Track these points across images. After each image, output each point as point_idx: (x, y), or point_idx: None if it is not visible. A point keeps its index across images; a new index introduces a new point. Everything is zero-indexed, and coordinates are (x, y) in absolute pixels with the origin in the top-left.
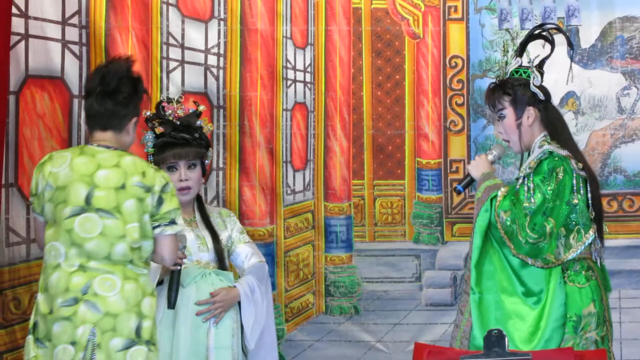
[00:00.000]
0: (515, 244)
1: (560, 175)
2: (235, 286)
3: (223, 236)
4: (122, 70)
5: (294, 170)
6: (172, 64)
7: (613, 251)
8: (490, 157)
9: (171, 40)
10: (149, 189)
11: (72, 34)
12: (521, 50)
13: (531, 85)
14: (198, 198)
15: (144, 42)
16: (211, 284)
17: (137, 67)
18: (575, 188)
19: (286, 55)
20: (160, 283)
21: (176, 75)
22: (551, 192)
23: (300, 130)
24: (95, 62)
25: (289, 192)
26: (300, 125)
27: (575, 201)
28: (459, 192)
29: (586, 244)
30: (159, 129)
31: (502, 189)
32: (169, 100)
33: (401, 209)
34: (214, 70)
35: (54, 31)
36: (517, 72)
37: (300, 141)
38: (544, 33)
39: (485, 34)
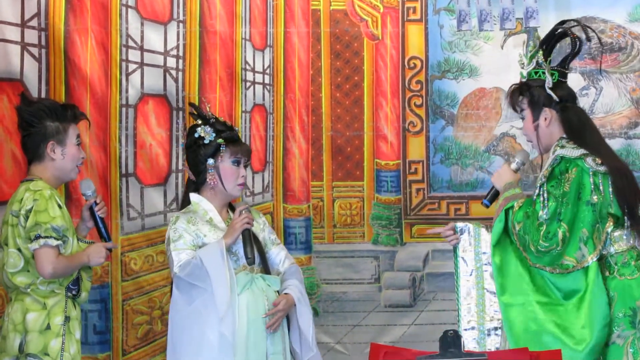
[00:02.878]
0: (529, 255)
1: (573, 176)
2: (288, 293)
3: (259, 237)
4: (19, 113)
5: (253, 172)
6: (132, 67)
7: None
8: (513, 165)
9: (130, 43)
10: (17, 214)
11: (31, 36)
12: (548, 51)
13: (545, 86)
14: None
15: (103, 45)
16: (262, 290)
17: (96, 70)
18: (593, 186)
19: (245, 57)
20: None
21: (135, 78)
22: (561, 195)
23: (259, 132)
24: (55, 65)
25: (248, 193)
26: (259, 127)
27: (595, 199)
28: (487, 207)
29: (606, 238)
30: (227, 124)
31: (519, 201)
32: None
33: (360, 211)
34: (173, 72)
35: (13, 33)
36: (535, 72)
37: (259, 143)
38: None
39: (444, 35)
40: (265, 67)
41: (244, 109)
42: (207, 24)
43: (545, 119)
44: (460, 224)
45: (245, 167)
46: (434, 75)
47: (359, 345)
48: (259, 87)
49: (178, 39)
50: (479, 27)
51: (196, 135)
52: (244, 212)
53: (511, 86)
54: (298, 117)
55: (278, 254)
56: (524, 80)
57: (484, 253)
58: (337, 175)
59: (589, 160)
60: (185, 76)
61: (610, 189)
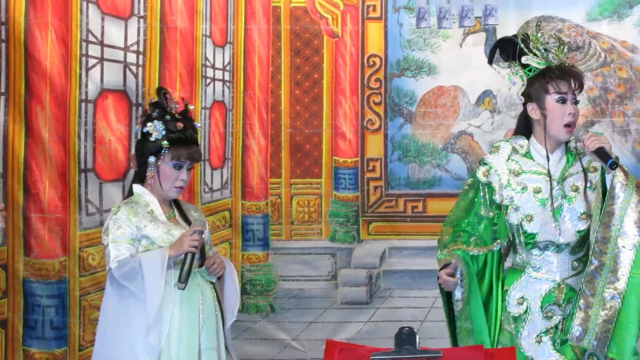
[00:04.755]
0: None
1: None
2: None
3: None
4: None
5: (212, 169)
6: (92, 62)
7: None
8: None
9: (91, 38)
10: None
11: None
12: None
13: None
14: None
15: (64, 39)
16: (197, 285)
17: (56, 64)
18: None
19: (205, 53)
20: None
21: (95, 73)
22: None
23: (218, 129)
24: (15, 59)
25: (206, 190)
26: (219, 123)
27: None
28: (615, 166)
29: None
30: (180, 125)
31: None
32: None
33: (318, 208)
34: (133, 68)
35: None
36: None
37: (219, 139)
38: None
39: (404, 33)
40: (225, 64)
41: (203, 106)
42: (167, 20)
43: None
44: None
45: (189, 170)
46: (393, 73)
47: (315, 342)
48: (218, 84)
49: (138, 35)
50: (438, 25)
51: (145, 129)
52: (197, 233)
53: (572, 66)
54: (257, 114)
55: (215, 251)
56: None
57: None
58: (295, 172)
59: None
60: (145, 72)
61: None
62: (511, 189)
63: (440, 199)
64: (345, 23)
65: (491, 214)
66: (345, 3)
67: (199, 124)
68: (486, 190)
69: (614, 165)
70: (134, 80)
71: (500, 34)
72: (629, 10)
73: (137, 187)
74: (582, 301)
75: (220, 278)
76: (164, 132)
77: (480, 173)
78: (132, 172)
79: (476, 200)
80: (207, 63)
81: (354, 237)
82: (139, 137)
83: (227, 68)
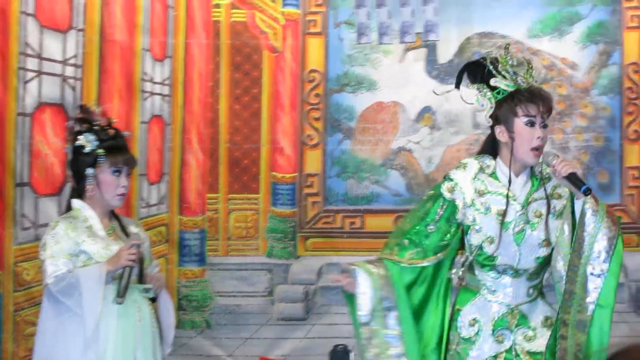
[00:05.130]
0: None
1: None
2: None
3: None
4: None
5: (149, 184)
6: (29, 75)
7: None
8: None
9: (29, 51)
10: None
11: None
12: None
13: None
14: (112, 210)
15: (2, 52)
16: (134, 301)
17: None
18: None
19: (144, 67)
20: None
21: (33, 86)
22: None
23: (156, 143)
24: None
25: (143, 205)
26: (157, 138)
27: None
28: (589, 193)
29: None
30: (111, 132)
31: None
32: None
33: (255, 223)
34: (72, 82)
35: None
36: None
37: (156, 154)
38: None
39: (344, 48)
40: (164, 78)
41: (142, 120)
42: (106, 33)
43: None
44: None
45: (128, 176)
46: (333, 89)
47: (251, 358)
48: (157, 98)
49: (77, 48)
50: (379, 41)
51: (77, 143)
52: (134, 247)
53: (540, 88)
54: (196, 129)
55: (152, 271)
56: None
57: (382, 299)
58: (233, 187)
59: None
60: (83, 85)
61: None
62: (475, 209)
63: (378, 215)
64: (285, 38)
65: (443, 228)
66: (286, 18)
67: (127, 133)
68: (448, 206)
69: (588, 191)
70: (71, 93)
71: (440, 50)
72: (570, 28)
73: (76, 202)
74: (561, 331)
75: (154, 300)
76: (97, 142)
77: (444, 188)
78: (68, 186)
79: (431, 211)
80: (146, 77)
81: (291, 253)
82: (70, 154)
83: (166, 82)
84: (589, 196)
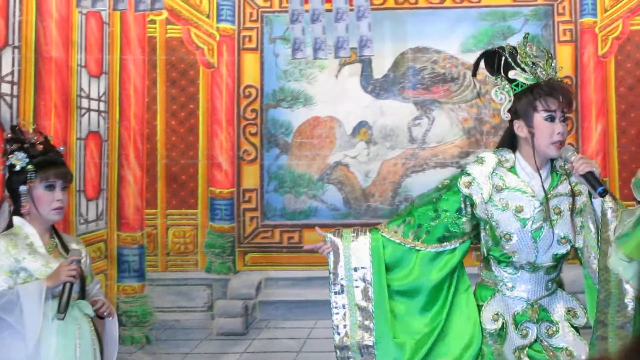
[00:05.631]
0: None
1: None
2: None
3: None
4: None
5: (87, 200)
6: None
7: None
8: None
9: None
10: None
11: None
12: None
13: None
14: (54, 226)
15: None
16: (74, 318)
17: None
18: None
19: (80, 83)
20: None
21: None
22: None
23: (93, 160)
24: None
25: (81, 221)
26: (94, 154)
27: None
28: (604, 194)
29: None
30: (40, 147)
31: None
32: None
33: (194, 238)
34: (8, 99)
35: None
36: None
37: (94, 170)
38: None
39: (279, 63)
40: (100, 94)
41: (78, 136)
42: (42, 50)
43: None
44: (330, 237)
45: (64, 189)
46: (269, 104)
47: None
48: (94, 114)
49: (13, 65)
50: (314, 56)
51: (8, 163)
52: (74, 263)
53: (561, 82)
54: (133, 145)
55: (94, 288)
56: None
57: (355, 269)
58: (171, 203)
59: None
60: (20, 102)
61: None
62: (492, 204)
63: (316, 229)
64: (221, 54)
65: (451, 219)
66: (221, 34)
67: (62, 148)
68: (466, 202)
69: (604, 192)
70: (8, 111)
71: (376, 65)
72: (503, 42)
73: (16, 219)
74: (599, 332)
75: (102, 318)
76: (27, 159)
77: (462, 182)
78: (6, 204)
79: (443, 198)
80: (82, 93)
81: (229, 268)
82: (6, 174)
83: (103, 98)
84: (606, 196)
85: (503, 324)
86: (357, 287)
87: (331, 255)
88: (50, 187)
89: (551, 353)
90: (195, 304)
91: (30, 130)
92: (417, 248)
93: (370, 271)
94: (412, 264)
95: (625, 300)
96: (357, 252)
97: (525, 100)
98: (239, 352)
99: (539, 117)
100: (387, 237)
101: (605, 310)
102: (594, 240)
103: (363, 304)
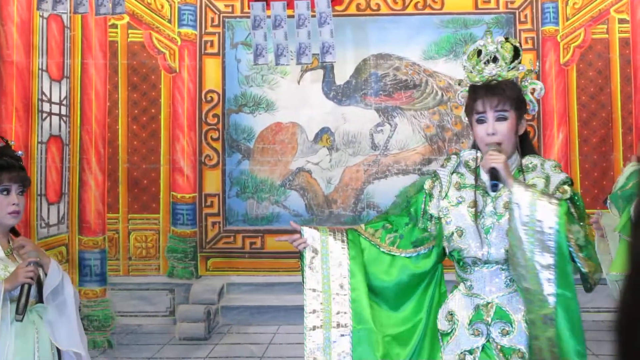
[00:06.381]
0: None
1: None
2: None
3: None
4: None
5: (49, 204)
6: None
7: None
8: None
9: None
10: None
11: None
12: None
13: (536, 95)
14: (13, 229)
15: None
16: (32, 322)
17: None
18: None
19: (42, 87)
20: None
21: None
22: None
23: (55, 164)
24: None
25: (43, 225)
26: (55, 158)
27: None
28: (496, 190)
29: None
30: None
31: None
32: None
33: (156, 243)
34: None
35: None
36: (525, 80)
37: (55, 174)
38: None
39: (241, 69)
40: (62, 98)
41: (40, 140)
42: (3, 54)
43: (523, 127)
44: (306, 232)
45: (21, 193)
46: (231, 109)
47: None
48: (55, 118)
49: None
50: (276, 62)
51: None
52: (32, 264)
53: (499, 81)
54: (94, 149)
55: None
56: (510, 80)
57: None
58: (133, 207)
59: None
60: None
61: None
62: (448, 200)
63: (278, 235)
64: (182, 58)
65: (422, 221)
66: (182, 38)
67: (20, 152)
68: (426, 200)
69: (493, 188)
70: None
71: (338, 71)
72: (465, 49)
73: None
74: (531, 332)
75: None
76: None
77: (427, 182)
78: None
79: (412, 201)
80: (44, 97)
81: (192, 272)
82: None
83: (64, 102)
84: (515, 190)
85: (454, 323)
86: (334, 281)
87: (307, 250)
88: (5, 192)
89: (501, 354)
90: (158, 309)
91: None
92: (393, 253)
93: (348, 264)
94: (387, 266)
95: (544, 294)
96: (334, 248)
97: (467, 103)
98: (202, 357)
99: (474, 120)
100: (365, 236)
101: (532, 308)
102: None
103: (340, 295)
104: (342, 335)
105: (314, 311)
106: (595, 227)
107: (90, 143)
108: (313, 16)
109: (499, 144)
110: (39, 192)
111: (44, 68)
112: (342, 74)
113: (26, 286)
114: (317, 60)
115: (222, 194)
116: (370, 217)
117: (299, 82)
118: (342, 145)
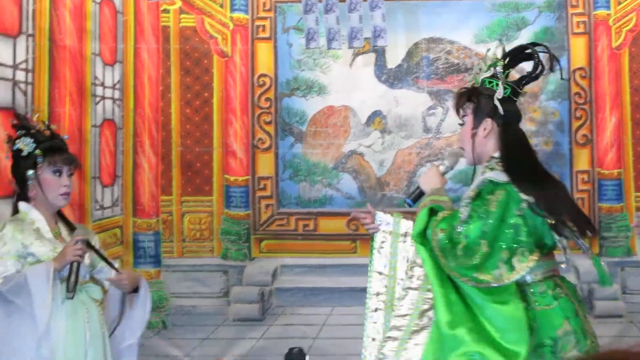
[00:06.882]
0: (447, 260)
1: (500, 198)
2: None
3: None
4: None
5: (103, 186)
6: None
7: None
8: (442, 168)
9: None
10: None
11: None
12: (509, 65)
13: (495, 97)
14: (59, 212)
15: None
16: (82, 302)
17: None
18: (518, 212)
19: (95, 72)
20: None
21: None
22: (485, 214)
23: (108, 147)
24: None
25: (97, 207)
26: (109, 141)
27: (517, 222)
28: (410, 206)
29: (531, 267)
30: (47, 133)
31: (445, 212)
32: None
33: (209, 225)
34: (22, 86)
35: None
36: (489, 82)
37: (109, 157)
38: (530, 52)
39: (293, 53)
40: (115, 82)
41: (93, 124)
42: (56, 39)
43: (485, 129)
44: (381, 216)
45: (70, 176)
46: (283, 93)
47: (207, 358)
48: (108, 102)
49: (27, 53)
50: (327, 46)
51: (15, 147)
52: (79, 243)
53: (460, 89)
54: (147, 132)
55: (106, 269)
56: (476, 85)
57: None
58: (186, 190)
59: (516, 187)
60: (34, 90)
61: (539, 219)
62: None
63: (331, 217)
64: (235, 43)
65: None
66: (235, 23)
67: (66, 136)
68: None
69: (404, 204)
70: (23, 98)
71: (389, 55)
72: (517, 33)
73: (22, 205)
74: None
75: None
76: (34, 144)
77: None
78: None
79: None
80: (97, 81)
81: (245, 254)
82: (12, 160)
83: (117, 86)
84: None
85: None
86: (400, 267)
87: (377, 235)
88: (58, 173)
89: None
90: (212, 290)
91: (35, 119)
92: None
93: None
94: None
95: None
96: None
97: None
98: (256, 338)
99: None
100: None
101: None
102: None
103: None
104: None
105: (378, 294)
106: (637, 231)
107: (143, 127)
108: (364, 0)
109: (462, 148)
110: (93, 175)
111: (97, 52)
112: (394, 58)
113: (75, 264)
114: (369, 44)
115: (275, 177)
116: None
117: (350, 66)
118: (394, 128)
